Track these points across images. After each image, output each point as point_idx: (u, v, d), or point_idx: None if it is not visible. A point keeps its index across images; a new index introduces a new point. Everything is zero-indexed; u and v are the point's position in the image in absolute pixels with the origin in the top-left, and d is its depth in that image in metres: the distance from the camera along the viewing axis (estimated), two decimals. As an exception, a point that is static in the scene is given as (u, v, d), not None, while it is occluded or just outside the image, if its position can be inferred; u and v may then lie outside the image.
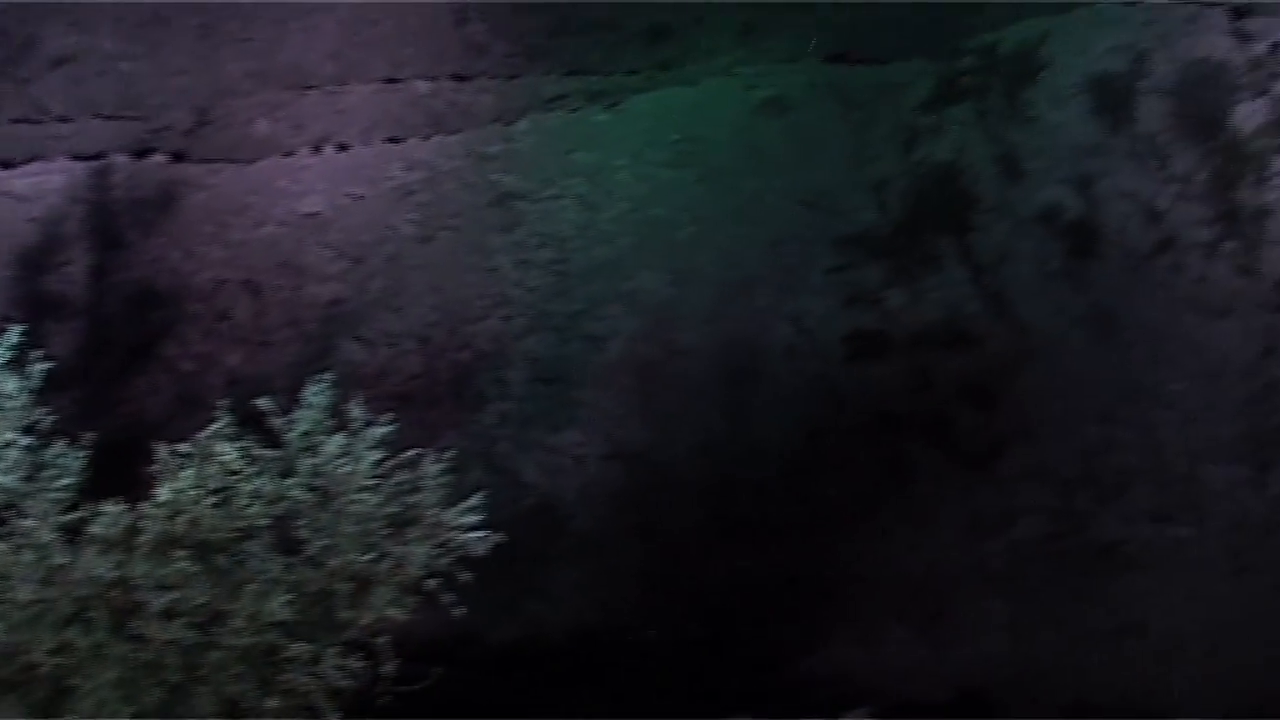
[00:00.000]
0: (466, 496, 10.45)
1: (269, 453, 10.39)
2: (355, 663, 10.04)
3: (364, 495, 10.33)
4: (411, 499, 10.41)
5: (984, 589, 14.06)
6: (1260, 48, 16.40)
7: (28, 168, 18.29)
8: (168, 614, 9.98)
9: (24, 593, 9.84)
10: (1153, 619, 13.64)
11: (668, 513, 14.64)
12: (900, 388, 14.88)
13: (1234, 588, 13.54)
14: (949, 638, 14.03)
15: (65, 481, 10.21)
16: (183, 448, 10.20)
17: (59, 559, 9.93)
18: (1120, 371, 14.75)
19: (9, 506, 10.18)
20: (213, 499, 10.18)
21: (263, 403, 10.45)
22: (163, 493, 10.18)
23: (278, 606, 10.01)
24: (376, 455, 10.40)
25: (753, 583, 14.15)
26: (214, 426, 10.28)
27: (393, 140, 17.72)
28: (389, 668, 10.07)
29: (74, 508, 10.15)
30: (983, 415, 14.67)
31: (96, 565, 9.91)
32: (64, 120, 19.15)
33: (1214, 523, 13.49)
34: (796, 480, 14.53)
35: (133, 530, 10.04)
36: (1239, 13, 17.28)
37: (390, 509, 10.36)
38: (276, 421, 10.47)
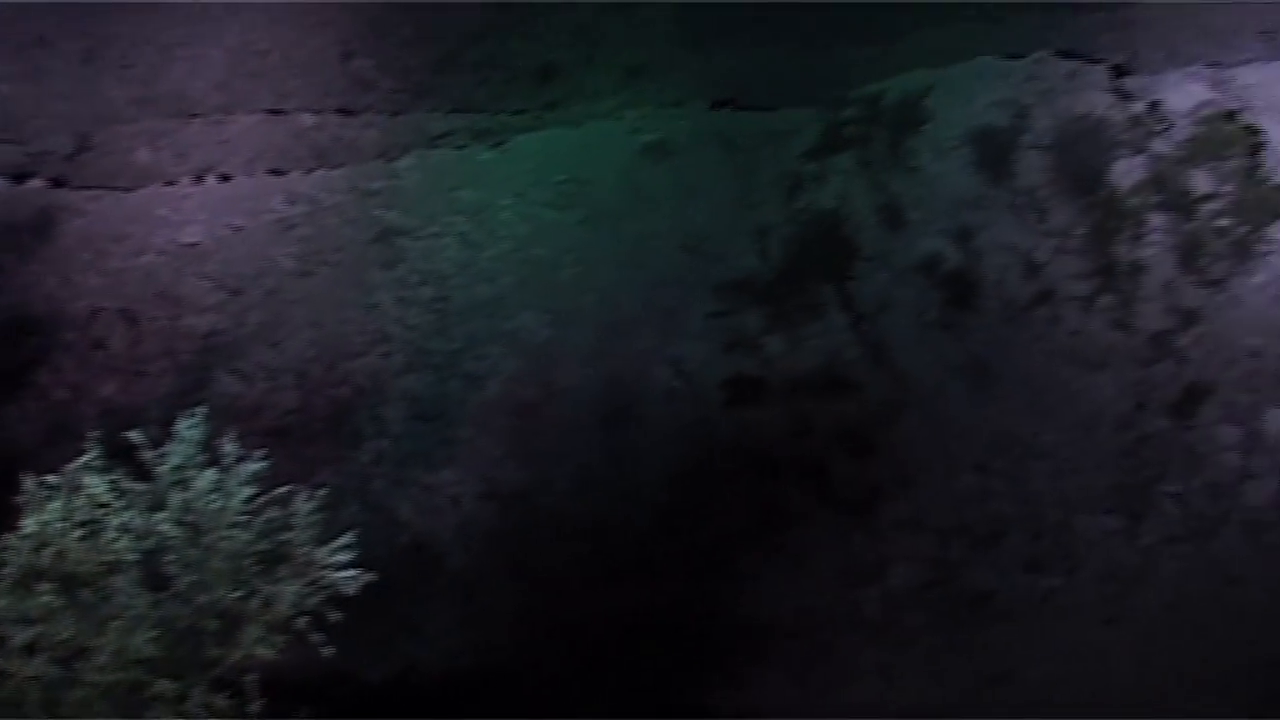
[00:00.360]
0: (340, 534, 10.33)
1: (139, 486, 10.22)
2: (222, 701, 9.88)
3: (234, 531, 10.20)
4: (283, 536, 10.28)
5: (857, 636, 14.05)
6: (1139, 106, 16.67)
7: (-97, 189, 17.98)
8: (30, 649, 9.77)
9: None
10: (1023, 667, 13.69)
11: (544, 553, 14.53)
12: (778, 433, 14.88)
13: (1104, 637, 13.63)
14: (821, 683, 14.01)
15: (-73, 512, 10.02)
16: (50, 479, 10.02)
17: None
18: (996, 422, 14.85)
19: None
20: (80, 532, 10.00)
21: (134, 435, 10.28)
22: (28, 524, 9.98)
23: (143, 643, 9.82)
24: (248, 491, 10.26)
25: (627, 624, 14.05)
26: (83, 458, 10.12)
27: (275, 172, 17.58)
28: (256, 706, 9.91)
29: (-65, 539, 9.95)
30: (859, 463, 14.70)
31: (-43, 598, 9.71)
32: (-60, 142, 18.83)
33: (1086, 573, 13.59)
34: (673, 523, 14.47)
35: (-4, 562, 9.85)
36: (1119, 71, 17.59)
37: (261, 546, 10.23)
38: (148, 454, 10.30)
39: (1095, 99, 16.51)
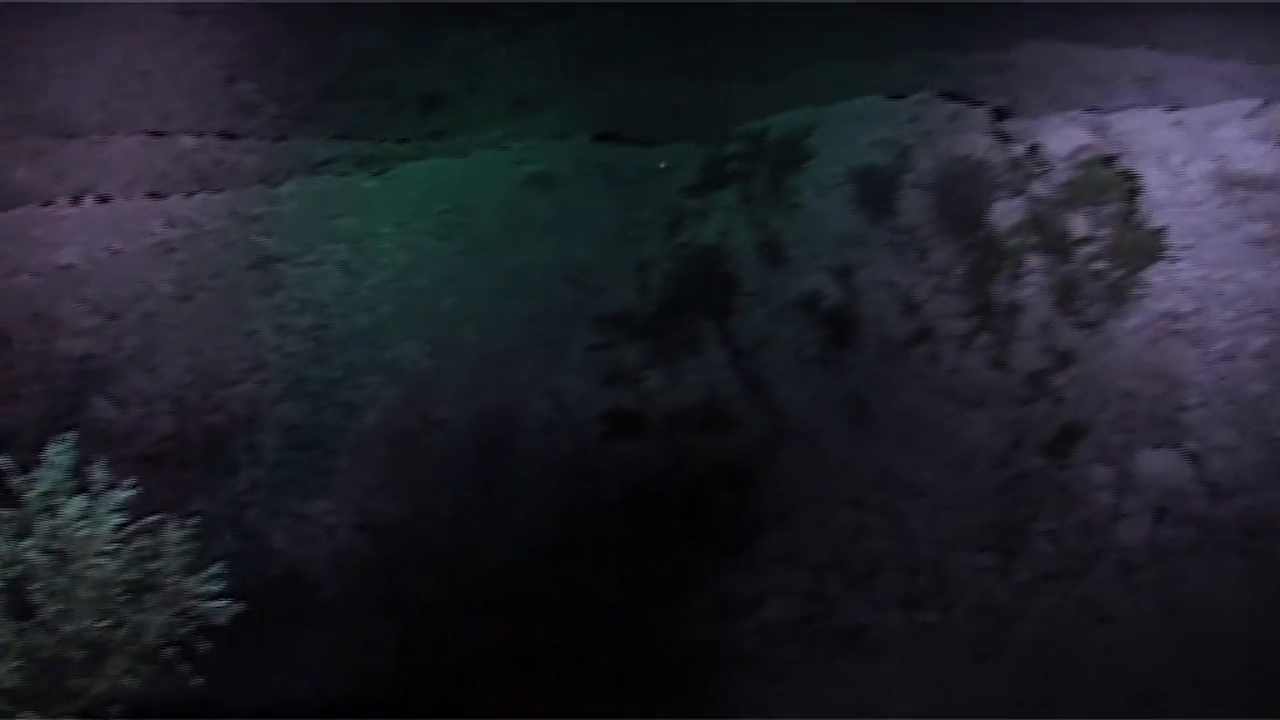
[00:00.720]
0: (211, 563, 10.18)
1: (5, 512, 10.03)
2: (87, 732, 9.71)
3: (103, 560, 10.01)
4: (152, 565, 10.12)
5: (733, 669, 14.03)
6: (1019, 149, 16.85)
7: None
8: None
9: None
10: (895, 702, 13.73)
11: (419, 584, 14.42)
12: (656, 468, 14.87)
13: (977, 673, 13.70)
14: (697, 716, 13.98)
15: None
16: (-85, 502, 9.83)
17: None
18: (874, 459, 14.92)
19: None
20: (-58, 557, 9.81)
21: (1, 460, 10.09)
22: (-112, 551, 9.79)
23: (6, 673, 9.64)
24: (118, 519, 10.08)
25: (502, 656, 13.95)
26: (-52, 484, 9.93)
27: (155, 195, 17.38)
28: (121, 737, 9.76)
29: None
30: (737, 498, 14.71)
31: None
32: None
33: (959, 609, 13.65)
34: (550, 556, 14.42)
35: None
36: (1000, 114, 17.79)
37: (130, 575, 10.05)
38: (15, 480, 10.11)
39: (976, 141, 16.67)
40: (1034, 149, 17.01)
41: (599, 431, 14.99)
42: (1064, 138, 17.47)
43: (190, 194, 16.87)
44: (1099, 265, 15.54)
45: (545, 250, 16.26)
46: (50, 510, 10.01)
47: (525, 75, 23.36)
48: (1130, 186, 16.65)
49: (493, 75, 23.60)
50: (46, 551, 9.87)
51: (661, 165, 16.72)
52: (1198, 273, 15.94)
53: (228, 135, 18.37)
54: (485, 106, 21.88)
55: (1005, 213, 15.81)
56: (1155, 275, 15.72)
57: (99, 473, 10.00)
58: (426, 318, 15.74)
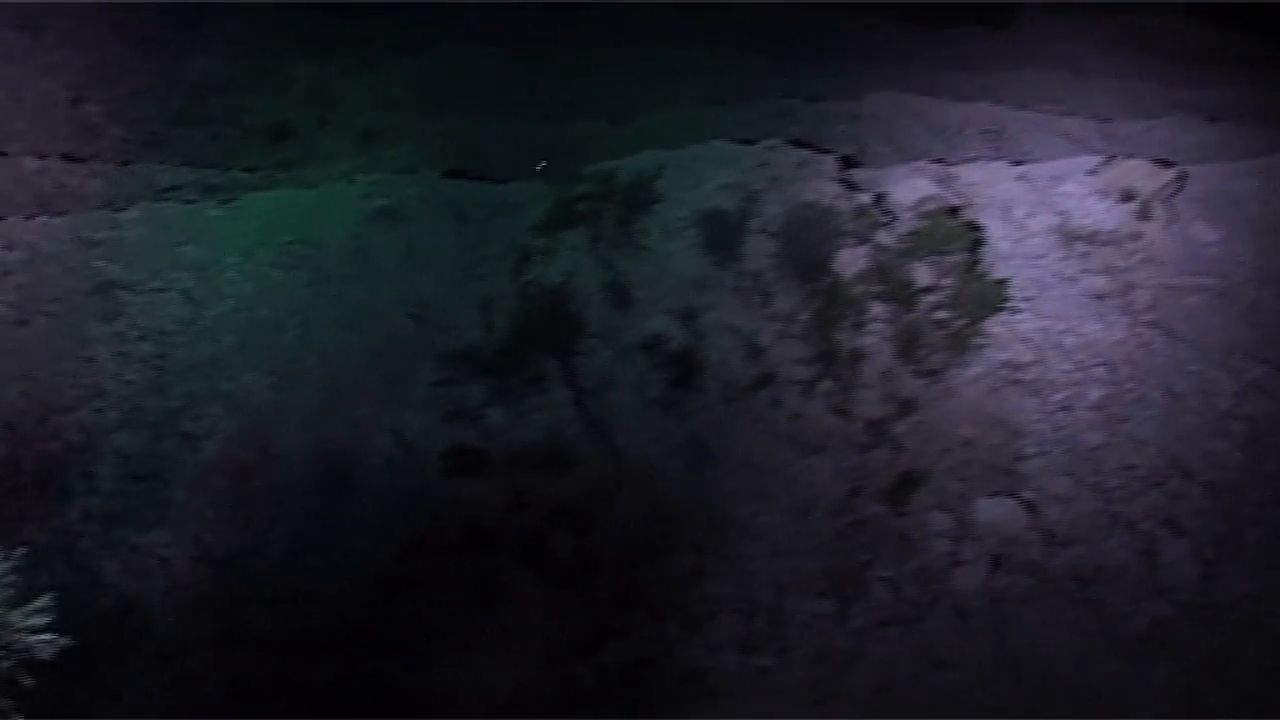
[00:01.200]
0: (39, 595, 9.94)
1: None
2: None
3: (-80, 592, 9.76)
4: (-26, 597, 9.87)
5: (570, 711, 13.96)
6: (865, 198, 17.02)
7: None
8: None
9: None
10: (732, 746, 13.75)
11: (255, 620, 14.22)
12: (497, 507, 14.81)
13: (814, 717, 13.75)
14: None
15: None
16: None
17: None
18: (714, 502, 14.94)
19: None
20: None
21: None
22: None
23: None
24: (-62, 549, 9.83)
25: (339, 694, 13.78)
26: None
27: (-5, 217, 17.06)
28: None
29: None
30: (577, 538, 14.66)
31: None
32: None
33: (797, 654, 13.69)
34: (388, 593, 14.28)
35: None
36: (848, 163, 17.95)
37: (-52, 607, 9.79)
38: None
39: (823, 188, 16.82)
40: (880, 198, 17.19)
41: (440, 469, 14.89)
42: (910, 188, 17.67)
43: (30, 217, 16.54)
44: (941, 315, 15.70)
45: (391, 285, 16.15)
46: None
47: (376, 109, 23.26)
48: (974, 238, 16.86)
49: (343, 108, 23.47)
50: None
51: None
52: (1038, 324, 16.16)
53: (71, 158, 18.05)
54: (335, 139, 21.75)
55: (850, 260, 15.94)
56: (996, 326, 15.92)
57: (-79, 501, 9.71)
58: (269, 349, 15.54)
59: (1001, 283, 16.38)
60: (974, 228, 17.13)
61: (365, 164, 19.60)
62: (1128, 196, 18.07)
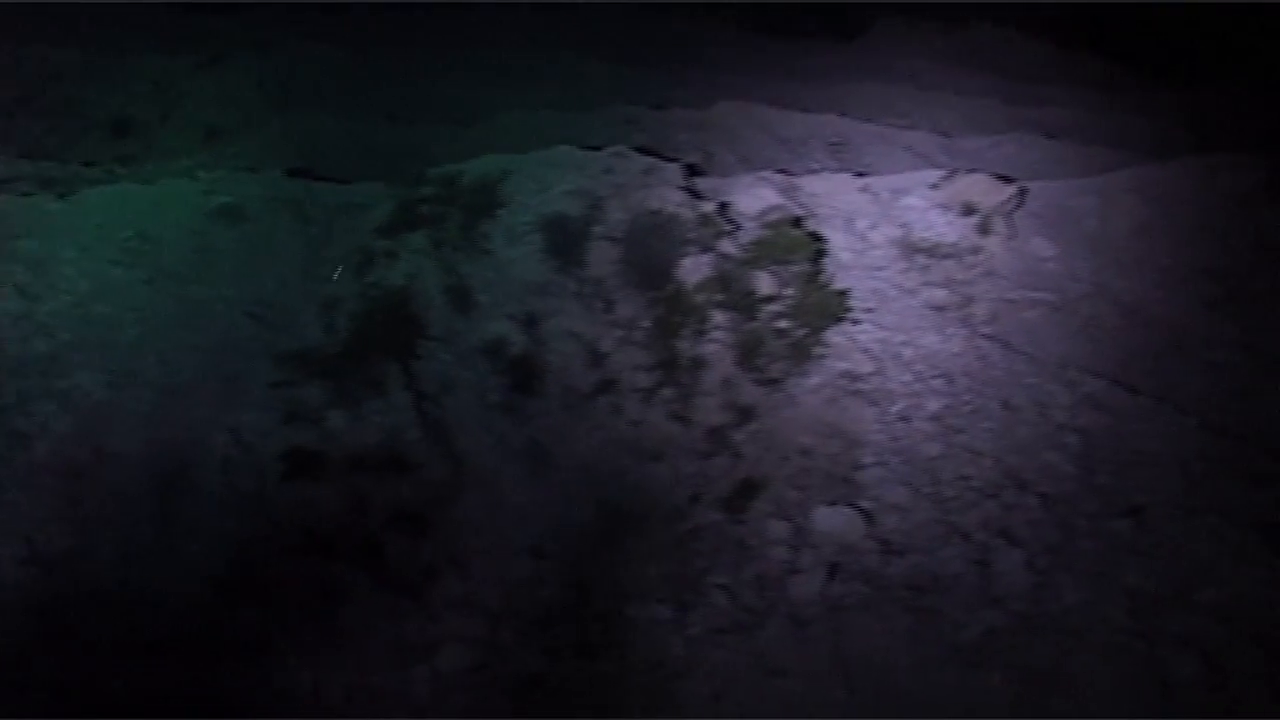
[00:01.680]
0: None
1: None
2: None
3: None
4: None
5: (406, 716, 13.86)
6: (709, 206, 17.10)
7: None
8: None
9: None
10: (566, 753, 13.73)
11: (86, 623, 13.93)
12: (335, 510, 14.66)
13: (647, 722, 13.77)
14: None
15: None
16: None
17: None
18: (553, 508, 14.92)
19: None
20: None
21: None
22: None
23: None
24: None
25: (173, 699, 13.56)
26: None
27: None
28: None
29: None
30: (414, 542, 14.57)
31: None
32: None
33: (633, 660, 13.69)
34: (224, 596, 14.08)
35: None
36: (693, 171, 18.03)
37: None
38: None
39: (668, 196, 16.85)
40: (724, 207, 17.28)
41: (278, 471, 14.70)
42: (754, 197, 17.78)
43: None
44: (782, 324, 15.81)
45: (231, 284, 15.97)
46: None
47: (220, 106, 23.04)
48: (816, 248, 17.01)
49: (187, 103, 23.24)
50: None
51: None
52: (878, 335, 16.33)
53: (-99, 148, 17.67)
54: (177, 135, 21.52)
55: (693, 269, 16.00)
56: (837, 336, 16.05)
57: None
58: (106, 347, 15.29)
59: (843, 293, 16.53)
60: (817, 238, 17.28)
61: (208, 161, 19.41)
62: (968, 211, 18.32)
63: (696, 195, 17.58)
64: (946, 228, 18.37)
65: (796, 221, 17.50)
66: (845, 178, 19.76)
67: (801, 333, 15.94)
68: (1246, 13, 33.58)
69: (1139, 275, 18.38)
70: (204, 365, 15.48)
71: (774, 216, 17.49)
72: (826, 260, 17.40)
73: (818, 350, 15.94)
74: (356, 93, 25.26)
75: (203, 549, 14.46)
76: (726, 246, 16.67)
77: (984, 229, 18.44)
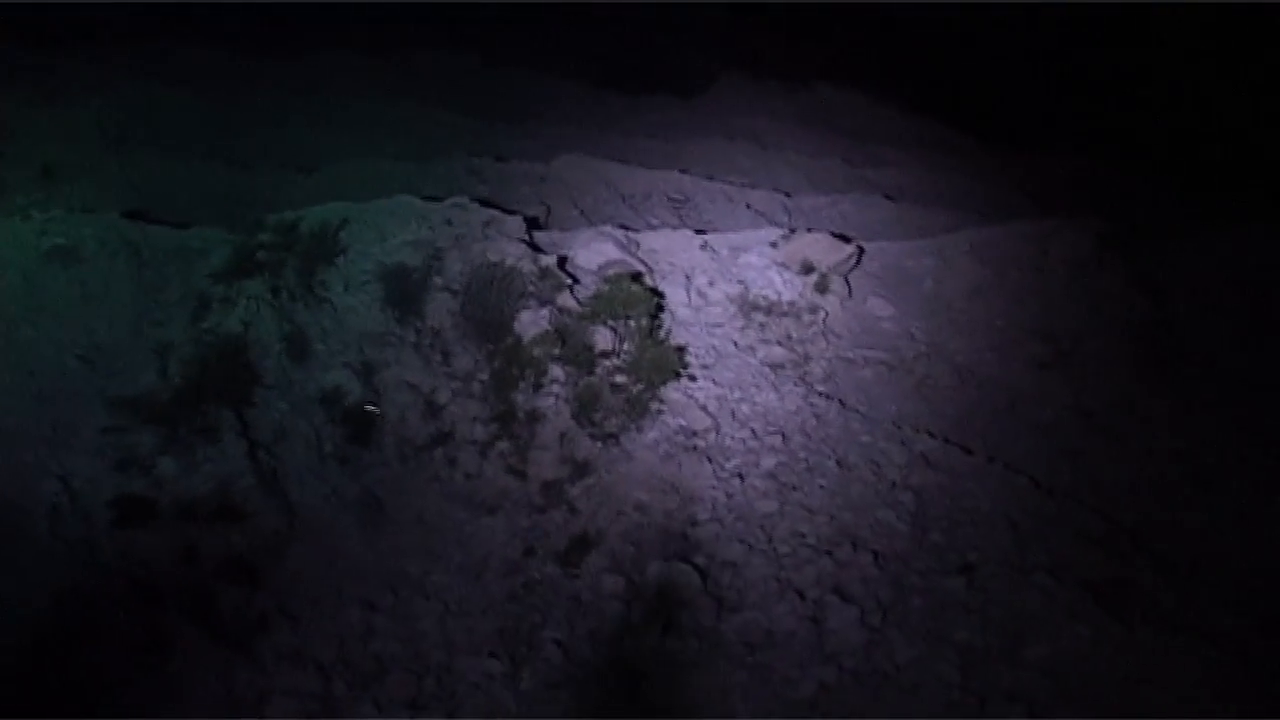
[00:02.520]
0: None
1: None
2: None
3: None
4: None
5: (233, 769, 13.66)
6: (549, 260, 17.13)
7: None
8: None
9: None
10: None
11: (-101, 672, 13.56)
12: (165, 559, 14.43)
13: (476, 780, 13.69)
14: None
15: None
16: None
17: None
18: (387, 559, 14.83)
19: None
20: None
21: None
22: None
23: None
24: None
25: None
26: None
27: None
28: None
29: None
30: (245, 593, 14.38)
31: None
32: None
33: (466, 713, 13.60)
34: (50, 645, 13.77)
35: None
36: (533, 224, 18.05)
37: None
38: None
39: (507, 248, 16.87)
40: (563, 260, 17.32)
41: (107, 518, 14.45)
42: (594, 251, 17.84)
43: None
44: (620, 379, 15.84)
45: (62, 327, 15.70)
46: None
47: (56, 144, 22.68)
48: (655, 304, 17.07)
49: (22, 141, 22.84)
50: None
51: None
52: (715, 391, 16.42)
53: None
54: (11, 172, 21.13)
55: (531, 322, 16.01)
56: (674, 392, 16.12)
57: None
58: (-72, 389, 14.93)
59: (681, 349, 16.62)
60: (656, 294, 17.37)
61: (42, 200, 19.07)
62: (807, 269, 18.51)
63: (537, 248, 17.62)
64: (785, 286, 18.55)
65: (636, 277, 17.59)
66: (685, 234, 19.89)
67: (639, 388, 15.99)
68: (1082, 81, 34.37)
69: (973, 336, 18.67)
70: (33, 409, 15.19)
71: (613, 271, 17.56)
72: (665, 316, 17.50)
73: (655, 406, 16.01)
74: (196, 136, 25.00)
75: (28, 597, 14.14)
76: (566, 300, 16.71)
77: (822, 288, 18.65)
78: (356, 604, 14.43)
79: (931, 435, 16.04)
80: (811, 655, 13.27)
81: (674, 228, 20.85)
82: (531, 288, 16.39)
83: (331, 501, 14.97)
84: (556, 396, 15.64)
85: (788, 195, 25.45)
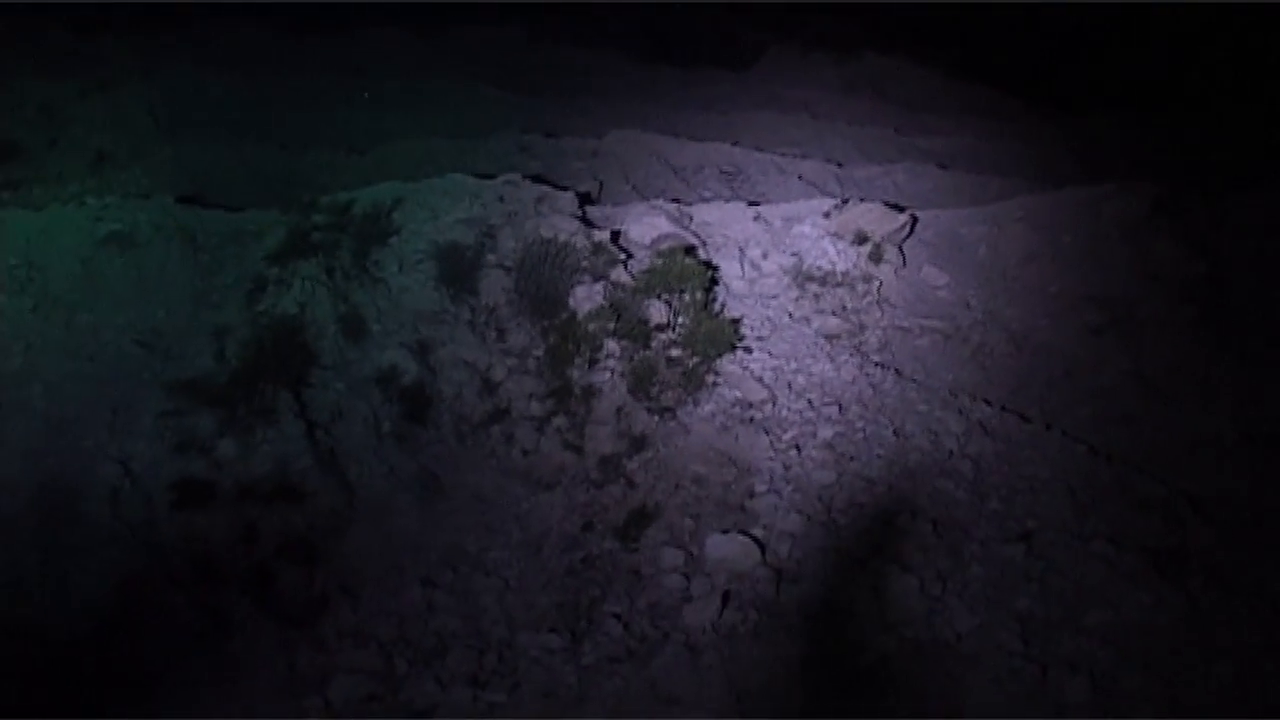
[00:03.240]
0: None
1: None
2: None
3: None
4: None
5: (299, 747, 13.73)
6: (602, 234, 17.13)
7: None
8: None
9: None
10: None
11: (-32, 654, 13.70)
12: (225, 539, 14.51)
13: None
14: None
15: None
16: None
17: None
18: (445, 536, 14.88)
19: None
20: None
21: None
22: None
23: None
24: None
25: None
26: None
27: None
28: None
29: None
30: (305, 572, 14.46)
31: None
32: None
33: (527, 689, 13.63)
34: (112, 627, 13.89)
35: None
36: (585, 199, 18.04)
37: None
38: None
39: (560, 224, 16.88)
40: (617, 235, 17.31)
41: (167, 501, 14.54)
42: (647, 225, 17.84)
43: None
44: (675, 352, 15.84)
45: (120, 312, 15.79)
46: None
47: (109, 131, 22.80)
48: (709, 277, 17.06)
49: (75, 129, 22.98)
50: None
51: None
52: (771, 363, 16.40)
53: None
54: (65, 160, 21.27)
55: (585, 297, 16.02)
56: (730, 364, 16.11)
57: None
58: (-10, 376, 15.05)
59: (735, 322, 16.61)
60: (709, 267, 17.35)
61: (96, 187, 19.18)
62: (861, 239, 18.45)
63: (589, 224, 17.61)
64: (839, 256, 18.50)
65: (689, 250, 17.57)
66: (738, 206, 19.85)
67: (694, 361, 15.99)
68: (1130, 45, 34.08)
69: (1028, 303, 18.59)
70: (92, 394, 15.28)
71: (667, 245, 17.55)
72: (719, 289, 17.48)
73: (710, 379, 16.00)
74: (247, 120, 25.10)
75: (91, 580, 14.25)
76: (619, 275, 16.71)
77: (876, 257, 18.59)
78: (416, 581, 14.48)
79: (988, 403, 16.00)
80: (872, 626, 13.24)
81: (726, 200, 20.81)
82: (585, 263, 16.40)
83: (390, 480, 15.02)
84: (612, 371, 15.65)
85: (839, 165, 25.38)
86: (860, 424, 15.61)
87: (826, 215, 19.17)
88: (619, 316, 15.96)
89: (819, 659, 13.28)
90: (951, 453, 15.09)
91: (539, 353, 15.93)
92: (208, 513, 14.74)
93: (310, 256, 16.41)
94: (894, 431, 15.41)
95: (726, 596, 13.90)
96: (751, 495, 14.87)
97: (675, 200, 19.83)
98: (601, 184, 22.39)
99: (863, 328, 17.55)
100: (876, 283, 18.24)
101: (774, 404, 15.79)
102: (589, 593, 14.27)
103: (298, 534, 14.74)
